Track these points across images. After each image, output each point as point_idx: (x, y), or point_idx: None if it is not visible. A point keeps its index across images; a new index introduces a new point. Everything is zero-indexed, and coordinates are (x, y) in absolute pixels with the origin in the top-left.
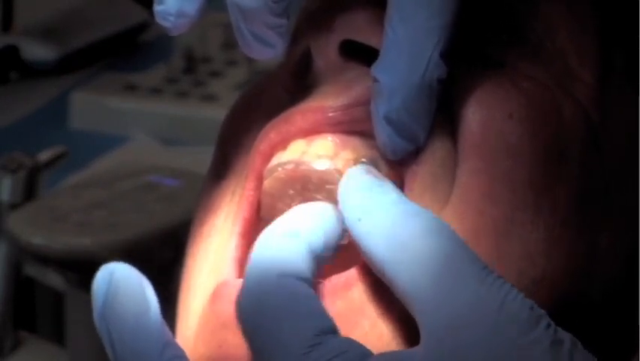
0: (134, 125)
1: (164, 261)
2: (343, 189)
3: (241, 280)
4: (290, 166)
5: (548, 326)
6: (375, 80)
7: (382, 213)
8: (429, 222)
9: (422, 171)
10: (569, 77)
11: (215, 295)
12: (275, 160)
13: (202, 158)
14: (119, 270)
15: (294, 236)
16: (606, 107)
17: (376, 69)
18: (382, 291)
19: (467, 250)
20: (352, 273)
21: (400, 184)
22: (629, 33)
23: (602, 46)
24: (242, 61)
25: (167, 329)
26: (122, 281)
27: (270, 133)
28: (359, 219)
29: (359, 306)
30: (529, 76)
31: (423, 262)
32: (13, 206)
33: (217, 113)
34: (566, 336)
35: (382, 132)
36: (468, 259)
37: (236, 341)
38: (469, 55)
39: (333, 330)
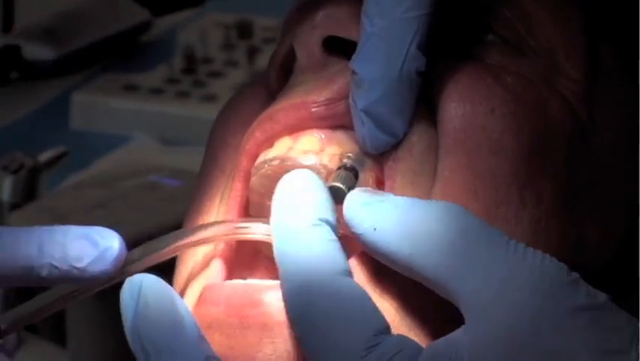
0: (134, 126)
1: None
2: (349, 207)
3: (226, 283)
4: (276, 162)
5: (587, 288)
6: (354, 73)
7: (394, 215)
8: (439, 208)
9: (401, 168)
10: (556, 73)
11: (201, 298)
12: (261, 157)
13: (202, 158)
14: (147, 281)
15: (318, 225)
16: (593, 102)
17: (355, 61)
18: (380, 276)
19: (487, 226)
20: (351, 264)
21: (382, 180)
22: (619, 29)
23: (588, 42)
24: (242, 61)
25: (206, 342)
26: (151, 293)
27: (256, 132)
28: (374, 229)
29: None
30: (514, 71)
31: (449, 247)
32: (14, 206)
33: (217, 114)
34: (603, 297)
35: (361, 126)
36: (491, 232)
37: (222, 340)
38: (451, 49)
39: (387, 329)
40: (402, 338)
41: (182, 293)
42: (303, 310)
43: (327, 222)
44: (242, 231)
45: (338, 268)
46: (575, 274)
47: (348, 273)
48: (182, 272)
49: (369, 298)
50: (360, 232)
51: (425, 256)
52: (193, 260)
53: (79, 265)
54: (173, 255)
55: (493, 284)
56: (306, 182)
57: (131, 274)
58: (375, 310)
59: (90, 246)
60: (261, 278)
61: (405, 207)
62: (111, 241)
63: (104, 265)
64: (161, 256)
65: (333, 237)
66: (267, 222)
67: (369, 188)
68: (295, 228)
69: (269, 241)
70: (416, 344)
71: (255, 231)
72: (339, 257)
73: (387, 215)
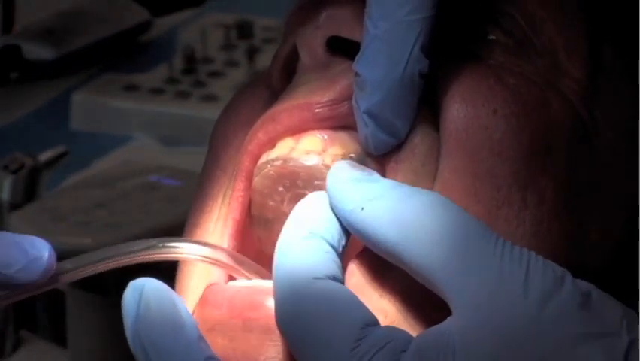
0: (134, 126)
1: (163, 261)
2: (334, 184)
3: (228, 284)
4: (278, 163)
5: (573, 281)
6: (357, 75)
7: (384, 198)
8: (432, 199)
9: (403, 169)
10: (557, 73)
11: (203, 300)
12: (264, 158)
13: (202, 158)
14: (149, 284)
15: (313, 237)
16: (595, 102)
17: (358, 63)
18: (380, 276)
19: (476, 221)
20: (352, 266)
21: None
22: (620, 30)
23: (590, 41)
24: (242, 61)
25: (206, 343)
26: (152, 296)
27: (259, 133)
28: (362, 208)
29: (361, 290)
30: (516, 72)
31: (437, 238)
32: (14, 206)
33: (217, 114)
34: (588, 286)
35: (364, 127)
36: (480, 228)
37: (224, 343)
38: (454, 50)
39: (374, 322)
40: (391, 329)
41: (183, 291)
42: (288, 314)
43: (323, 238)
44: (172, 251)
45: (323, 272)
46: (563, 269)
47: (336, 279)
48: (184, 270)
49: (353, 295)
50: (347, 209)
51: (413, 245)
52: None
53: (6, 271)
54: (104, 269)
55: (483, 281)
56: (314, 202)
57: (61, 284)
58: (360, 305)
59: (20, 254)
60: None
61: (397, 191)
62: (41, 251)
63: (32, 274)
64: (93, 269)
65: (326, 248)
66: (198, 243)
67: (355, 163)
68: (290, 239)
69: (200, 261)
70: (406, 334)
71: (186, 251)
72: (330, 265)
73: (378, 196)
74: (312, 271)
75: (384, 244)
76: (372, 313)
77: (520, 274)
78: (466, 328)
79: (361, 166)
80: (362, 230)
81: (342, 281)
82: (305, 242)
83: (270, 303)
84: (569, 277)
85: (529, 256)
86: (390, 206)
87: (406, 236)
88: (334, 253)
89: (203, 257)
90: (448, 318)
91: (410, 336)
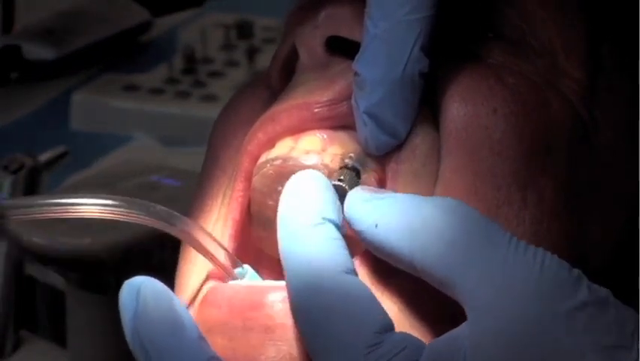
0: (134, 126)
1: (163, 261)
2: (350, 204)
3: (228, 284)
4: (278, 162)
5: (589, 286)
6: (357, 74)
7: (395, 213)
8: (443, 205)
9: (403, 169)
10: (557, 73)
11: (203, 301)
12: (263, 158)
13: (202, 158)
14: (146, 283)
15: (322, 223)
16: (595, 102)
17: (357, 63)
18: (383, 276)
19: (489, 223)
20: (355, 263)
21: (384, 180)
22: (620, 30)
23: (590, 41)
24: (242, 61)
25: (206, 343)
26: (150, 295)
27: (258, 133)
28: (375, 225)
29: None
30: (516, 71)
31: (452, 244)
32: None
33: (217, 114)
34: (605, 292)
35: (363, 126)
36: (493, 229)
37: (224, 343)
38: (454, 50)
39: (391, 327)
40: (405, 336)
41: (182, 291)
42: (306, 308)
43: (332, 222)
44: (74, 209)
45: (342, 266)
46: (577, 271)
47: (353, 271)
48: (183, 270)
49: (373, 297)
50: (362, 229)
51: (428, 253)
52: (194, 258)
53: None
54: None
55: (495, 283)
56: (312, 182)
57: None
58: (379, 308)
59: None
60: (264, 279)
61: (406, 203)
62: None
63: None
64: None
65: (337, 235)
66: (103, 198)
67: (370, 187)
68: (299, 227)
69: (100, 216)
70: (419, 341)
71: (87, 209)
72: (343, 255)
73: (388, 211)
74: (330, 263)
75: (401, 255)
76: (389, 317)
77: (534, 276)
78: (479, 333)
79: (374, 188)
80: (379, 246)
81: (356, 274)
82: (318, 229)
83: (270, 302)
84: (584, 281)
85: (544, 257)
86: (402, 217)
87: (420, 244)
88: (343, 240)
89: (105, 211)
90: (464, 323)
91: (423, 343)
